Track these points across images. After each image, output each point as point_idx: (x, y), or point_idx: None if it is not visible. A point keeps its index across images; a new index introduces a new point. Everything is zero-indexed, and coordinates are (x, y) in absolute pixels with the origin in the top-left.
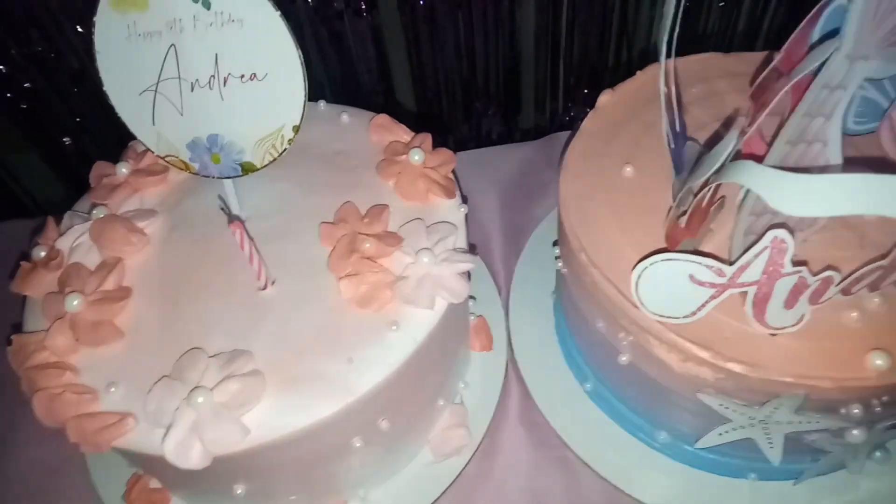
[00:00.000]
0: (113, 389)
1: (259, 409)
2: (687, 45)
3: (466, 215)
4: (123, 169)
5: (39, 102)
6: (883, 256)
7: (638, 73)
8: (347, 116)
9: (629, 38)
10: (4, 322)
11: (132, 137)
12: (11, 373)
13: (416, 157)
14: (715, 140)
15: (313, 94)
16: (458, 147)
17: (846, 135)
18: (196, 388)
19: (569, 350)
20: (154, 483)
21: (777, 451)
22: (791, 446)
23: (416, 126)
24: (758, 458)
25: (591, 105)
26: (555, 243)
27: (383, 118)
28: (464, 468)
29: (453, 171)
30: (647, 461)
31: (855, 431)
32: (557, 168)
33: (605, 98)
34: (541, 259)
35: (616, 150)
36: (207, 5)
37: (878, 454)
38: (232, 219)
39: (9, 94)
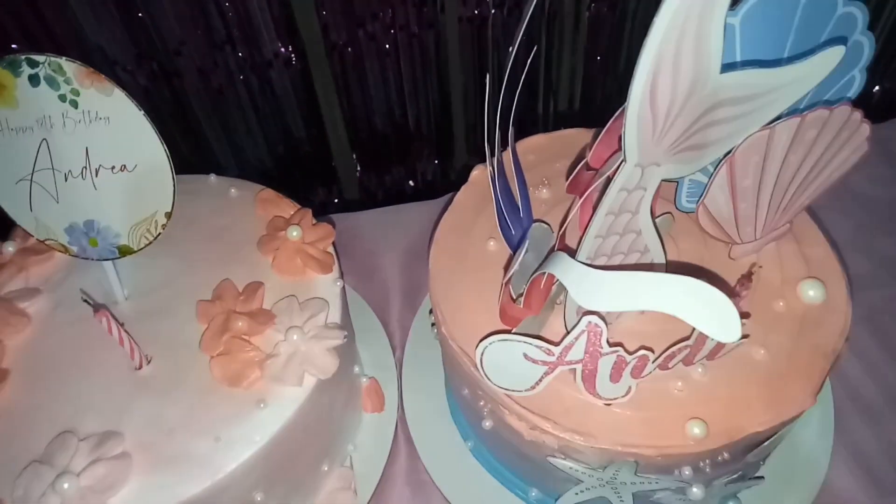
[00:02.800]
0: None
1: (126, 491)
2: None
3: (343, 288)
4: (10, 248)
5: None
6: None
7: (522, 140)
8: (235, 190)
9: (553, 85)
10: None
11: None
12: None
13: (294, 233)
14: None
15: (248, 142)
16: (395, 187)
17: (684, 212)
18: (63, 473)
19: (454, 408)
20: None
21: None
22: (643, 502)
23: (353, 168)
24: None
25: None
26: (430, 311)
27: (268, 193)
28: None
29: (334, 244)
30: None
31: (694, 489)
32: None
33: (476, 173)
34: None
35: (482, 225)
36: (75, 104)
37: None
38: (96, 308)
39: None
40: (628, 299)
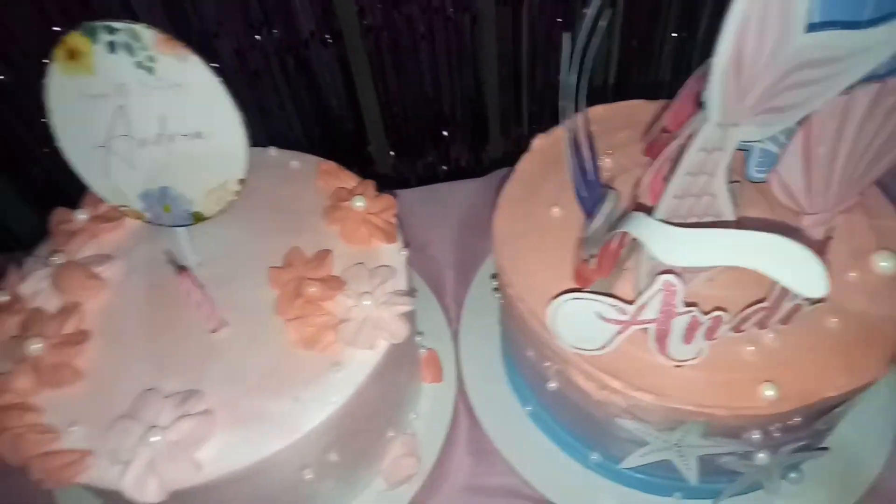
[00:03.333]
0: (73, 429)
1: (210, 447)
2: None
3: (408, 258)
4: (82, 216)
5: (8, 132)
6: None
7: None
8: (296, 163)
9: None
10: None
11: None
12: None
13: (359, 203)
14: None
15: (283, 125)
16: (427, 172)
17: (753, 182)
18: (152, 427)
19: (513, 375)
20: None
21: (693, 472)
22: (707, 467)
23: (387, 153)
24: (680, 478)
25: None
26: (493, 276)
27: (330, 165)
28: (414, 495)
29: (396, 215)
30: (583, 480)
31: (760, 454)
32: None
33: (539, 142)
34: (489, 291)
35: (546, 192)
36: (151, 70)
37: (792, 475)
38: (180, 269)
39: None
40: (712, 253)
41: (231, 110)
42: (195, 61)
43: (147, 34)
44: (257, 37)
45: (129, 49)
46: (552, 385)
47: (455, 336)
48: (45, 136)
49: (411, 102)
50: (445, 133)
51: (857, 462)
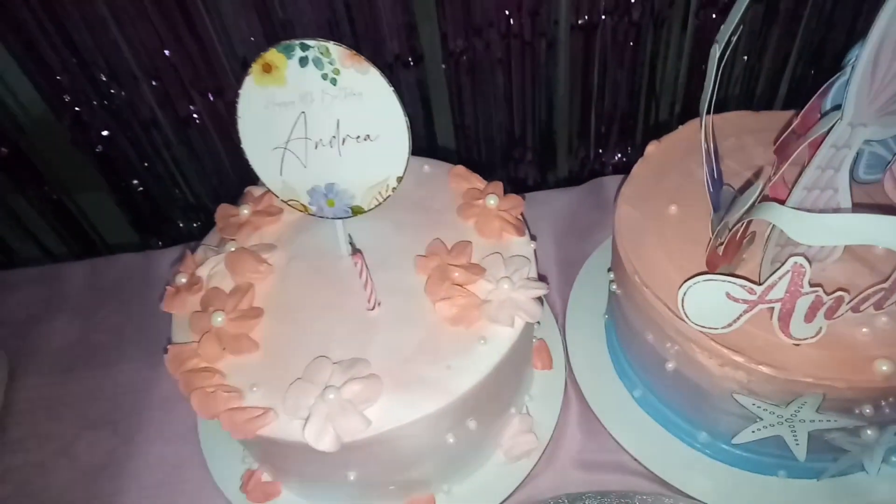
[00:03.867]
0: (255, 389)
1: (377, 406)
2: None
3: (535, 250)
4: (245, 210)
5: (114, 148)
6: (885, 281)
7: (680, 126)
8: (428, 167)
9: (656, 90)
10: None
11: (202, 188)
12: (139, 382)
13: (492, 201)
14: (745, 185)
15: None
16: None
17: (859, 183)
18: (327, 387)
19: (619, 363)
20: (266, 477)
21: (802, 448)
22: (814, 445)
23: None
24: (786, 456)
25: (621, 152)
26: (609, 269)
27: (460, 168)
28: (532, 468)
29: (521, 214)
30: (689, 459)
31: (868, 431)
32: (602, 208)
33: (651, 148)
34: (591, 288)
35: (662, 192)
36: (334, 82)
37: (894, 458)
38: (355, 251)
39: (87, 140)
40: (842, 234)
41: (400, 116)
42: (374, 73)
43: (336, 50)
44: None
45: (319, 63)
46: (671, 365)
47: (562, 329)
48: (146, 153)
49: (485, 124)
50: (515, 154)
51: None
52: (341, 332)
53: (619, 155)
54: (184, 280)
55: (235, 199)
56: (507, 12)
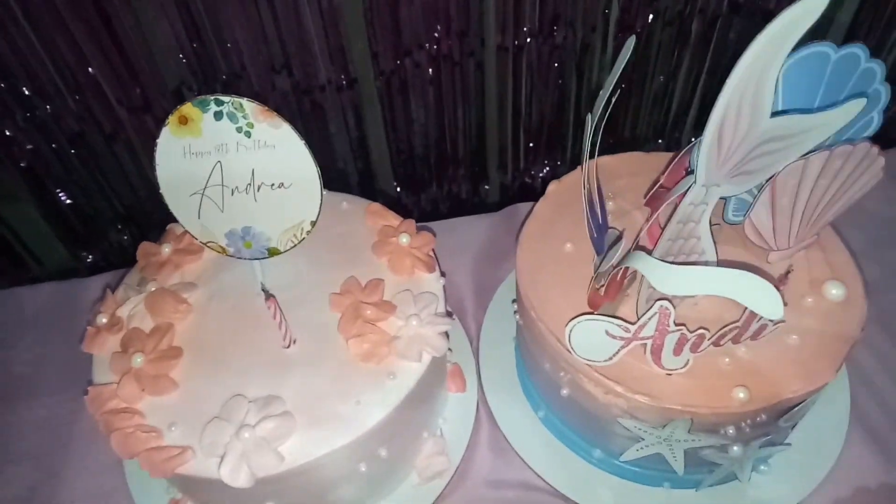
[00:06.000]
0: (173, 428)
1: (290, 442)
2: (620, 146)
3: (444, 286)
4: (167, 248)
5: (39, 162)
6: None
7: (578, 167)
8: (346, 204)
9: (580, 107)
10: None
11: (131, 200)
12: (62, 415)
13: (404, 239)
14: (633, 225)
15: None
16: (429, 205)
17: (729, 224)
18: (242, 426)
19: (526, 385)
20: None
21: (680, 464)
22: (690, 460)
23: (394, 187)
24: (669, 470)
25: (549, 165)
26: (513, 301)
27: (376, 206)
28: (444, 488)
29: (433, 251)
30: (587, 474)
31: (734, 447)
32: (515, 235)
33: (552, 187)
34: (504, 313)
35: (560, 231)
36: (248, 134)
37: (762, 468)
38: (268, 296)
39: (10, 154)
40: (698, 285)
41: (312, 166)
42: (286, 128)
43: (250, 106)
44: (277, 79)
45: (233, 117)
46: (565, 392)
47: (476, 352)
48: (72, 166)
49: (417, 140)
50: (448, 169)
51: (815, 456)
52: (258, 369)
53: (548, 168)
54: (104, 320)
55: (163, 212)
56: (436, 34)
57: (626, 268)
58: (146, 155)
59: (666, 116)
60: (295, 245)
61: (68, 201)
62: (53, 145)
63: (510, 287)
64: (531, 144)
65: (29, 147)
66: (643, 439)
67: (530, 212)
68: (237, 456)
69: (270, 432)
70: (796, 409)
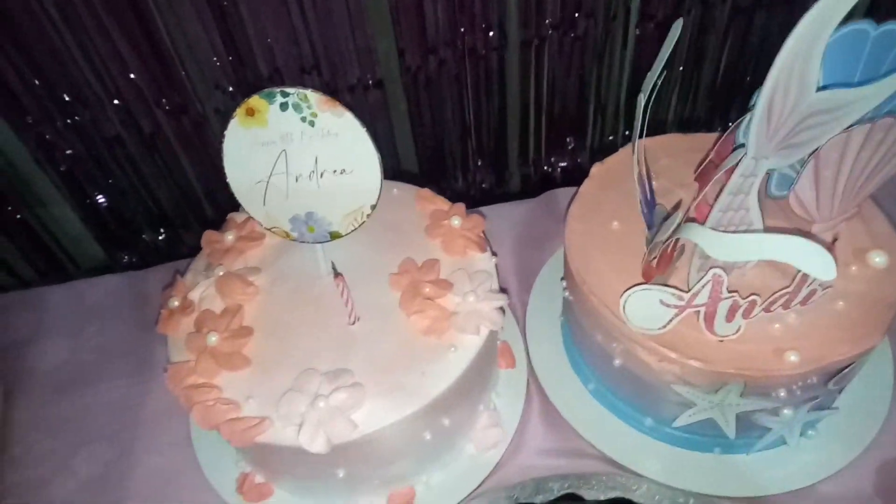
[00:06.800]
0: (250, 401)
1: (361, 411)
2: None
3: (496, 264)
4: (230, 236)
5: (78, 166)
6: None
7: (621, 149)
8: (397, 190)
9: (601, 99)
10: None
11: (167, 201)
12: (130, 398)
13: (456, 221)
14: (677, 204)
15: None
16: (454, 196)
17: (773, 198)
18: (317, 396)
19: (575, 360)
20: (259, 478)
21: (732, 428)
22: (742, 424)
23: (419, 179)
24: (719, 435)
25: (569, 157)
26: (562, 278)
27: (426, 192)
28: (500, 458)
29: (483, 231)
30: (638, 442)
31: (785, 410)
32: (554, 219)
33: (596, 169)
34: (548, 293)
35: (606, 210)
36: (312, 124)
37: (810, 432)
38: (336, 274)
39: (51, 159)
40: (752, 250)
41: (372, 153)
42: (349, 116)
43: (314, 97)
44: (308, 80)
45: (298, 108)
46: (617, 362)
47: (523, 331)
48: (110, 169)
49: (442, 135)
50: (471, 162)
51: (861, 422)
52: (325, 345)
53: (568, 160)
54: (176, 303)
55: (199, 211)
56: (461, 29)
57: (676, 241)
58: (184, 156)
59: (688, 103)
60: (355, 229)
61: (105, 203)
62: (92, 149)
63: (553, 268)
64: (552, 135)
65: (68, 152)
66: (696, 405)
67: (574, 194)
68: (314, 424)
69: (343, 402)
70: (845, 371)
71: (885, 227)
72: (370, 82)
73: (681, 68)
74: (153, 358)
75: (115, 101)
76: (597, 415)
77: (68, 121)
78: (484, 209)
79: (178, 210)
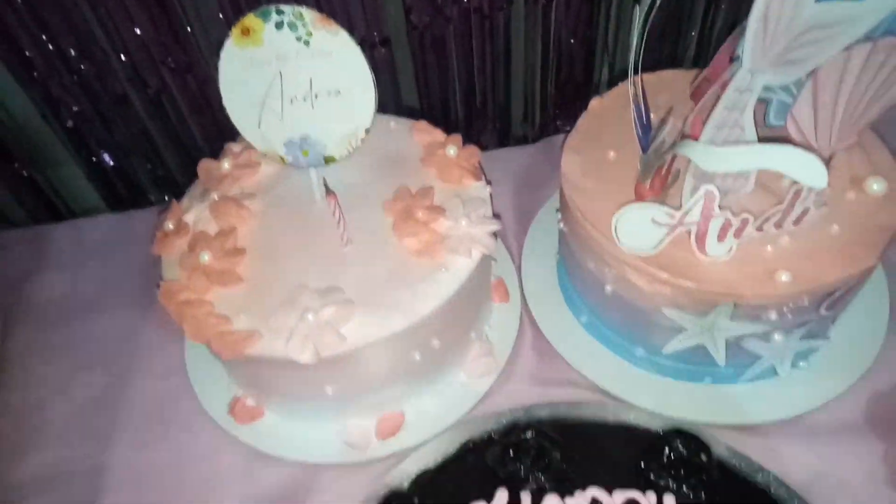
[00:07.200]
0: (241, 316)
1: (351, 325)
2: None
3: (490, 194)
4: (226, 164)
5: (84, 123)
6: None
7: (620, 83)
8: (394, 123)
9: (608, 58)
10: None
11: (170, 156)
12: (127, 328)
13: (452, 151)
14: (672, 126)
15: None
16: None
17: (771, 128)
18: (306, 309)
19: (568, 294)
20: (251, 402)
21: (721, 354)
22: (732, 352)
23: None
24: (710, 364)
25: (574, 118)
26: (557, 210)
27: (422, 124)
28: (491, 386)
29: (479, 162)
30: (629, 373)
31: (776, 336)
32: (553, 164)
33: (595, 103)
34: (544, 232)
35: (603, 141)
36: (307, 43)
37: (802, 364)
38: (329, 191)
39: (57, 115)
40: (743, 159)
41: (367, 73)
42: (343, 35)
43: (309, 14)
44: None
45: (293, 26)
46: (609, 288)
47: (518, 269)
48: (117, 127)
49: (447, 95)
50: (475, 123)
51: (853, 356)
52: (317, 266)
53: (573, 121)
54: (171, 226)
55: None
56: None
57: (671, 162)
58: (190, 117)
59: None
60: (350, 153)
61: (112, 163)
62: (98, 106)
63: (550, 211)
64: (557, 98)
65: (75, 108)
66: (686, 329)
67: (572, 128)
68: (303, 335)
69: (332, 315)
70: (837, 295)
71: (886, 157)
72: (377, 40)
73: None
74: (151, 292)
75: (122, 57)
76: (588, 347)
77: (74, 77)
78: (483, 154)
79: (185, 172)
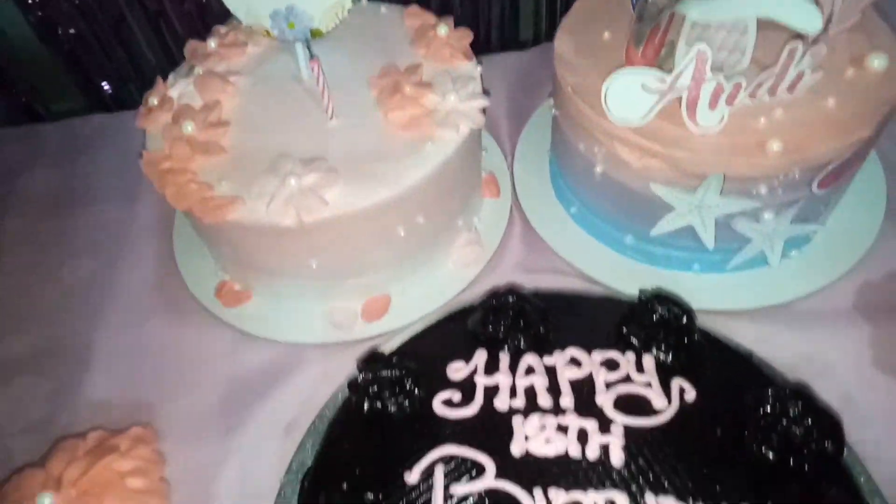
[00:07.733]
0: (223, 183)
1: (334, 192)
2: None
3: (481, 73)
4: (212, 43)
5: (82, 46)
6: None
7: None
8: (385, 9)
9: None
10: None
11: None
12: (116, 218)
13: (443, 31)
14: None
15: None
16: None
17: None
18: (288, 174)
19: (559, 187)
20: (237, 287)
21: (710, 235)
22: (721, 234)
23: None
24: (699, 249)
25: None
26: (550, 95)
27: (414, 8)
28: (478, 274)
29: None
30: (617, 262)
31: (766, 215)
32: (551, 68)
33: None
34: (538, 133)
35: (598, 23)
36: None
37: (792, 253)
38: (312, 56)
39: (55, 38)
40: (735, 6)
41: None
42: None
43: None
44: None
45: None
46: (599, 169)
47: (511, 166)
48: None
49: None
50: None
51: (846, 247)
52: (302, 137)
53: None
54: (155, 101)
55: None
56: None
57: (665, 32)
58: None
59: None
60: (336, 25)
61: (110, 91)
62: (96, 29)
63: (545, 112)
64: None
65: (72, 31)
66: (675, 208)
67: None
68: (284, 199)
69: (315, 181)
70: (830, 168)
71: (888, 36)
72: None
73: None
74: (142, 185)
75: None
76: (577, 237)
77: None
78: (482, 57)
79: None
